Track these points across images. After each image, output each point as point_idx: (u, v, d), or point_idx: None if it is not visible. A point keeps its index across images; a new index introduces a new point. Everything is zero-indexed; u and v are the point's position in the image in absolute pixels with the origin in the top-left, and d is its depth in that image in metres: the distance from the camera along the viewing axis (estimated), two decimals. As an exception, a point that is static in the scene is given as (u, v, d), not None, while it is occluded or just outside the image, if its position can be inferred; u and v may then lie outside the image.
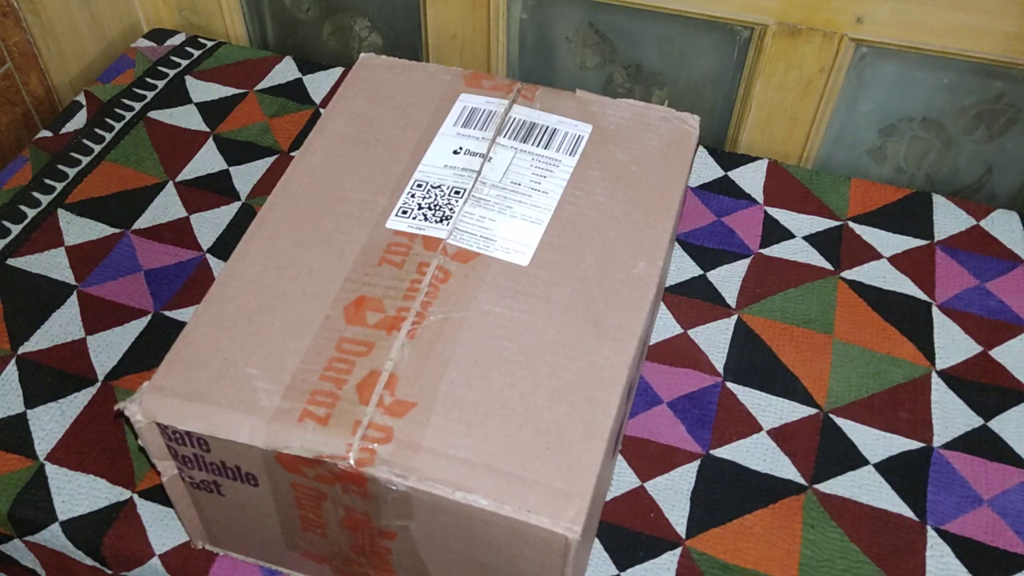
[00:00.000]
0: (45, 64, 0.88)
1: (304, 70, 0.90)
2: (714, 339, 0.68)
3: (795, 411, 0.64)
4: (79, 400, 0.64)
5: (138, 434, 0.48)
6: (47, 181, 0.78)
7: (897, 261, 0.74)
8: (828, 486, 0.61)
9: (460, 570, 0.49)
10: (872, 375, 0.66)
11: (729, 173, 0.81)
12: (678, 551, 0.58)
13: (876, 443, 0.63)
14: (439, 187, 0.56)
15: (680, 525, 0.59)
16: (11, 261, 0.72)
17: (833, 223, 0.77)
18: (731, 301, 0.71)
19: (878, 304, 0.71)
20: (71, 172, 0.79)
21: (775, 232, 0.76)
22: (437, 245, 0.53)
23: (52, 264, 0.72)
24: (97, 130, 0.83)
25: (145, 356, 0.67)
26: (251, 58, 0.91)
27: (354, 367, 0.48)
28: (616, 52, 0.87)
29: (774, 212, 0.77)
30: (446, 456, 0.45)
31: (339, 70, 0.90)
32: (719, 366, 0.67)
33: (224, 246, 0.74)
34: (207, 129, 0.84)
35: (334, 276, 0.52)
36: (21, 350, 0.67)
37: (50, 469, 0.61)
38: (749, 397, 0.65)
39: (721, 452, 0.62)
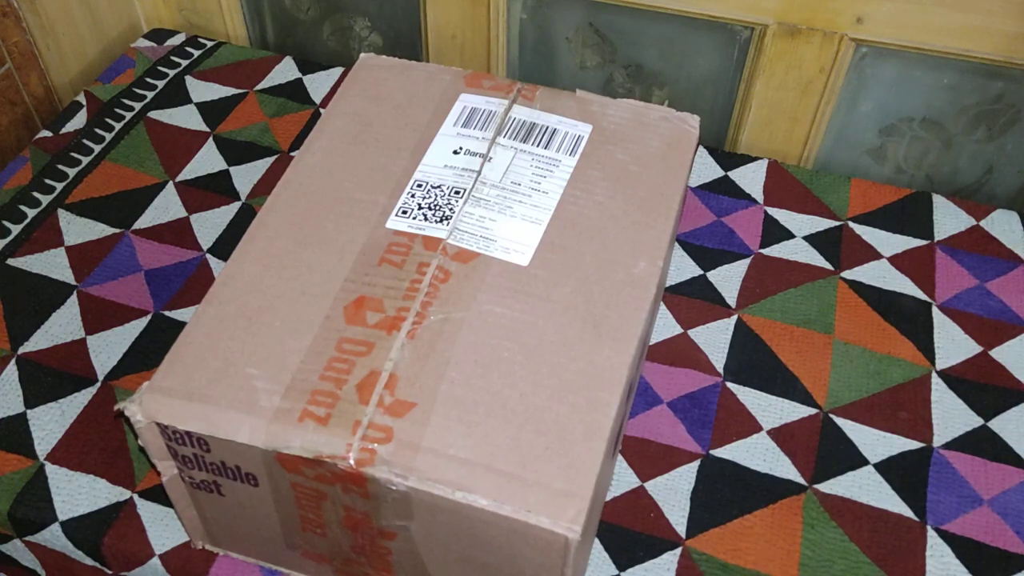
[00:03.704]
0: (45, 64, 0.88)
1: (304, 70, 0.90)
2: (714, 339, 0.68)
3: (795, 411, 0.64)
4: (79, 400, 0.64)
5: (138, 434, 0.48)
6: (47, 181, 0.78)
7: (897, 261, 0.74)
8: (828, 486, 0.61)
9: (460, 570, 0.49)
10: (872, 375, 0.66)
11: (729, 173, 0.81)
12: (678, 551, 0.58)
13: (876, 443, 0.63)
14: (439, 187, 0.56)
15: (680, 525, 0.59)
16: (11, 261, 0.72)
17: (833, 223, 0.77)
18: (731, 301, 0.71)
19: (878, 304, 0.71)
20: (71, 172, 0.79)
21: (775, 232, 0.76)
22: (437, 245, 0.53)
23: (52, 264, 0.72)
24: (97, 130, 0.83)
25: (145, 356, 0.67)
26: (251, 58, 0.91)
27: (354, 367, 0.48)
28: (616, 52, 0.87)
29: (774, 212, 0.77)
30: (446, 456, 0.45)
31: (339, 70, 0.90)
32: (719, 366, 0.67)
33: (224, 246, 0.74)
34: (207, 129, 0.84)
35: (334, 276, 0.52)
36: (21, 350, 0.67)
37: (50, 469, 0.61)
38: (749, 397, 0.65)
39: (721, 452, 0.62)
